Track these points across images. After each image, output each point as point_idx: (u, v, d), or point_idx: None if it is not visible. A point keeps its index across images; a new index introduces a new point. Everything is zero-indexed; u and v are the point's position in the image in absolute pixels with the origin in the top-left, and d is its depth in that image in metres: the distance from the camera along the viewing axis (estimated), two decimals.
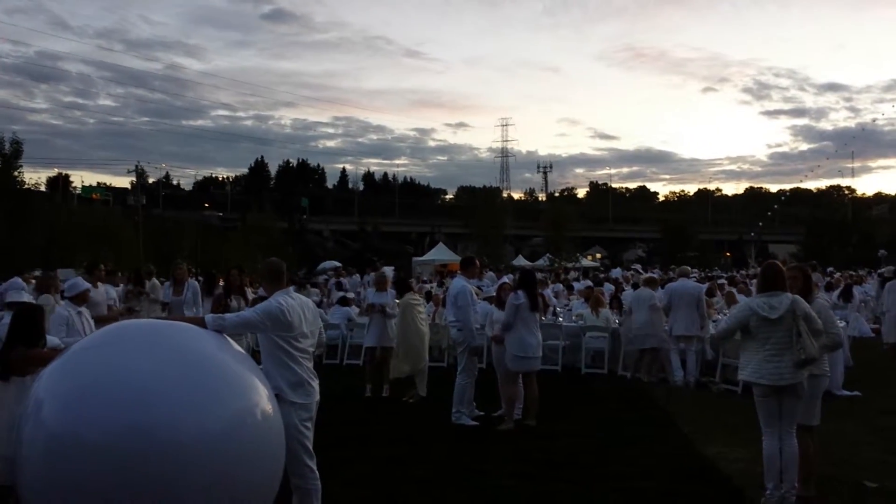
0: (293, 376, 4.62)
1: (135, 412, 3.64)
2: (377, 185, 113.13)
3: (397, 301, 10.75)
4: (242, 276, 10.30)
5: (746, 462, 6.63)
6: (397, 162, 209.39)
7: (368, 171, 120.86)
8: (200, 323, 4.38)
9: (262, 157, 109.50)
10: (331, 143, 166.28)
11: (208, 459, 3.73)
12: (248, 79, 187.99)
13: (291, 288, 4.93)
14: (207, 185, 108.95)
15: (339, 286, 19.99)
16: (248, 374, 4.19)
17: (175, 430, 3.66)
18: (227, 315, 4.60)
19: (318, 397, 4.81)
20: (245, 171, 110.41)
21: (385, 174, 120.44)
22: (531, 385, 8.58)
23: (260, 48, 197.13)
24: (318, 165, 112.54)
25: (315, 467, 4.74)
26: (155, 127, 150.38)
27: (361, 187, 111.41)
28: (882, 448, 7.43)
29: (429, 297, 16.31)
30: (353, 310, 14.45)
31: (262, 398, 4.15)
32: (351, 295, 16.64)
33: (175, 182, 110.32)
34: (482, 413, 8.86)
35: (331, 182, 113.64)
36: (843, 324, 12.61)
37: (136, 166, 63.33)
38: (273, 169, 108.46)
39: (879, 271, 22.29)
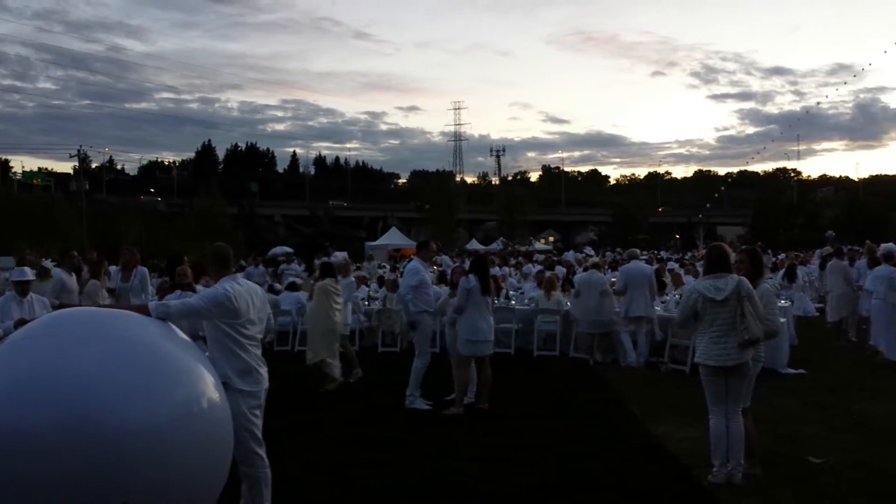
0: (241, 364, 4.55)
1: (76, 402, 3.55)
2: (329, 170, 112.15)
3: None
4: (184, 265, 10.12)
5: (694, 441, 6.78)
6: (349, 146, 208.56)
7: (319, 155, 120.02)
8: (144, 310, 4.28)
9: (209, 140, 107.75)
10: (280, 127, 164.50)
11: (153, 449, 3.66)
12: (193, 60, 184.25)
13: (240, 274, 4.85)
14: (153, 170, 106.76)
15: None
16: (193, 363, 4.11)
17: (119, 419, 3.58)
18: (172, 302, 4.51)
19: (266, 385, 4.75)
20: (191, 155, 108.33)
21: (336, 158, 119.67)
22: (484, 368, 8.63)
23: (205, 29, 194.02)
24: (268, 149, 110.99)
25: (264, 455, 4.70)
26: (97, 110, 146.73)
27: (312, 171, 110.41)
28: (826, 425, 7.63)
29: (381, 281, 16.30)
30: (304, 295, 14.35)
31: (209, 386, 4.08)
32: (300, 281, 16.50)
33: (119, 167, 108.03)
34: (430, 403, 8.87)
35: (281, 166, 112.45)
36: (787, 303, 12.97)
37: (79, 151, 61.73)
38: (221, 153, 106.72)
39: (818, 252, 22.90)
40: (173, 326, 4.31)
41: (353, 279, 12.68)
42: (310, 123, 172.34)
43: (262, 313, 4.83)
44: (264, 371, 4.75)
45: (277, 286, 16.82)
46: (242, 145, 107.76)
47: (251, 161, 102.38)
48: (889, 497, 5.51)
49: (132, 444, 3.58)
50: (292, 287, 14.77)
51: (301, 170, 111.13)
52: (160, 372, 3.89)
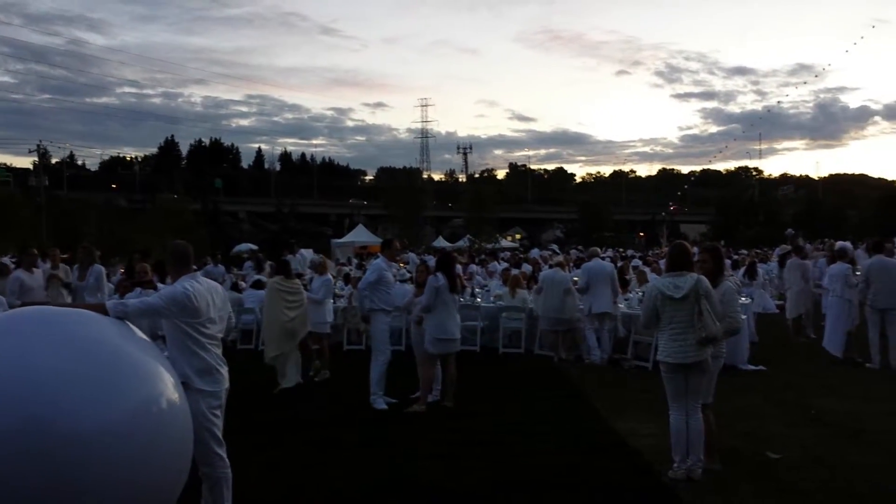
0: (201, 363, 4.50)
1: (33, 404, 3.48)
2: (294, 166, 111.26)
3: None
4: (146, 261, 9.98)
5: (656, 437, 6.84)
6: (314, 142, 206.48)
7: (285, 151, 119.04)
8: (101, 309, 4.21)
9: (172, 136, 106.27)
10: (244, 122, 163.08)
11: (112, 451, 3.61)
12: (155, 55, 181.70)
13: (199, 272, 4.79)
14: (114, 166, 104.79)
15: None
16: (151, 362, 4.05)
17: (76, 421, 3.52)
18: (130, 301, 4.43)
19: (227, 384, 4.71)
20: (154, 150, 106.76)
21: (303, 154, 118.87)
22: (450, 366, 8.63)
23: (168, 23, 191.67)
24: (232, 145, 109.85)
25: (225, 455, 4.66)
26: (58, 105, 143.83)
27: (278, 167, 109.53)
28: (785, 421, 7.77)
29: (347, 279, 16.22)
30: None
31: (168, 386, 4.03)
32: (264, 279, 16.34)
33: (80, 162, 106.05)
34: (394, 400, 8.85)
35: (246, 162, 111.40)
36: (748, 300, 13.16)
37: (38, 146, 60.35)
38: (184, 148, 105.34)
39: (777, 250, 23.23)
40: (131, 326, 4.24)
41: (331, 276, 12.63)
42: (275, 119, 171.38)
43: (223, 312, 4.79)
44: (225, 371, 4.70)
45: (242, 284, 16.64)
46: (206, 141, 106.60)
47: (215, 157, 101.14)
48: (846, 492, 5.61)
49: (89, 447, 3.53)
50: (257, 285, 14.62)
51: (266, 166, 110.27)
52: (118, 372, 3.83)
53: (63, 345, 3.78)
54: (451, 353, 8.57)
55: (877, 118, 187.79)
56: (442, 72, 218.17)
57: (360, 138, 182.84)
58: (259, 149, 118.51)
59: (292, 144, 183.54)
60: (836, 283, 11.52)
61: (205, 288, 4.63)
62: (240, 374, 5.08)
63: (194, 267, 4.85)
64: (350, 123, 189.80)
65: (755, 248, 36.02)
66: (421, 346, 8.70)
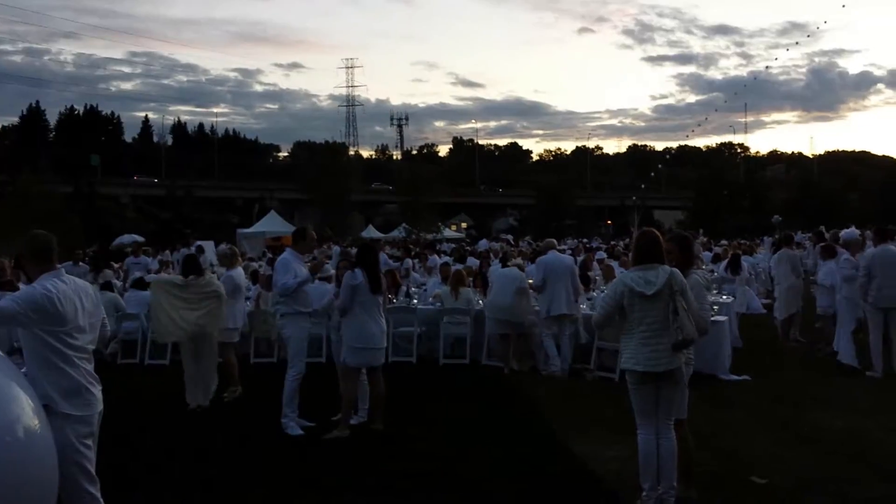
0: (67, 382, 4.43)
1: None
2: (190, 140, 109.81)
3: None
4: None
5: (622, 460, 6.94)
6: (215, 110, 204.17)
7: (178, 122, 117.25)
8: None
9: (36, 102, 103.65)
10: (127, 86, 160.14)
11: None
12: (14, 3, 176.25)
13: (63, 269, 4.68)
14: None
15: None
16: (5, 381, 3.98)
17: None
18: None
19: (100, 407, 4.65)
20: (14, 120, 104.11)
21: (200, 125, 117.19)
22: (377, 382, 8.61)
23: None
24: (112, 113, 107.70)
25: (98, 493, 4.59)
26: None
27: (170, 141, 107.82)
28: (772, 439, 7.94)
29: (255, 277, 16.05)
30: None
31: (26, 410, 3.97)
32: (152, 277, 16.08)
33: None
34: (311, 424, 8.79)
35: (129, 135, 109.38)
36: (730, 299, 13.44)
37: None
38: (52, 118, 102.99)
39: (768, 240, 23.74)
40: None
41: (241, 270, 12.48)
42: (165, 82, 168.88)
43: (95, 318, 4.71)
44: (97, 391, 4.63)
45: (116, 283, 16.31)
46: (80, 108, 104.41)
47: (91, 128, 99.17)
48: None
49: None
50: (139, 285, 14.28)
51: (155, 139, 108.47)
52: None
53: None
54: (373, 365, 8.56)
55: (880, 86, 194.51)
56: (371, 27, 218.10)
57: (272, 106, 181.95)
58: (146, 118, 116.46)
59: (187, 113, 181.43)
60: (838, 279, 11.66)
61: (71, 289, 4.54)
62: (120, 394, 4.98)
63: (57, 265, 4.73)
64: (259, 88, 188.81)
65: (739, 238, 36.89)
66: (341, 357, 8.68)
